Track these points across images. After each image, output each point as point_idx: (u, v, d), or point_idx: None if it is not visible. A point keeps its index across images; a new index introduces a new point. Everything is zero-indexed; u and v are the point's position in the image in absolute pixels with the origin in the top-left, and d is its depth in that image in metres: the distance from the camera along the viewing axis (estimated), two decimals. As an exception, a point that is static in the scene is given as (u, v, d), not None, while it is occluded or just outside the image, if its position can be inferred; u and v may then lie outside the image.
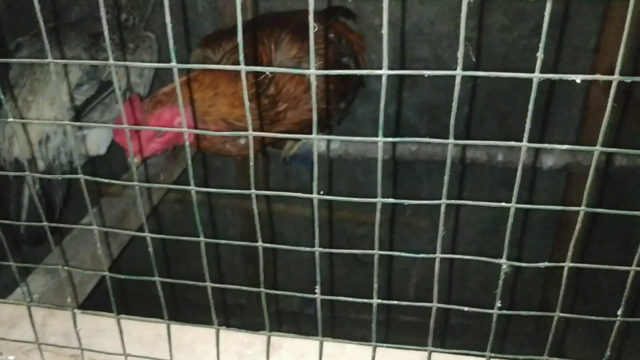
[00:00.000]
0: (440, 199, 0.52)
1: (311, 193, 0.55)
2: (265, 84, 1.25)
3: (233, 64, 1.30)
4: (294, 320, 2.42)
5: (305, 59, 1.26)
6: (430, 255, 0.57)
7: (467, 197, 1.94)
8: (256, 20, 1.53)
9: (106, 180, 0.63)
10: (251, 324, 2.38)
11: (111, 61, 0.50)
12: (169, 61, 0.48)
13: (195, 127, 1.24)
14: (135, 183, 0.59)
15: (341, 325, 2.34)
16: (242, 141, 1.27)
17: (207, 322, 0.67)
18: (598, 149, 0.43)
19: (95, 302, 1.09)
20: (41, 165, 1.36)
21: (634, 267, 0.51)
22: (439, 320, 2.21)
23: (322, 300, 0.63)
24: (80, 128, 1.41)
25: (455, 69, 0.45)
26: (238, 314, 2.41)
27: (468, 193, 1.95)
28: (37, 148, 1.33)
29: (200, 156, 2.02)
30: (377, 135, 0.49)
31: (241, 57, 0.47)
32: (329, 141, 1.54)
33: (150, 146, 1.21)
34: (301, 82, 1.25)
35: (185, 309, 2.08)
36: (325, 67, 1.33)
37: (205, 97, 1.22)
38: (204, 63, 1.40)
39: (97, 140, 1.48)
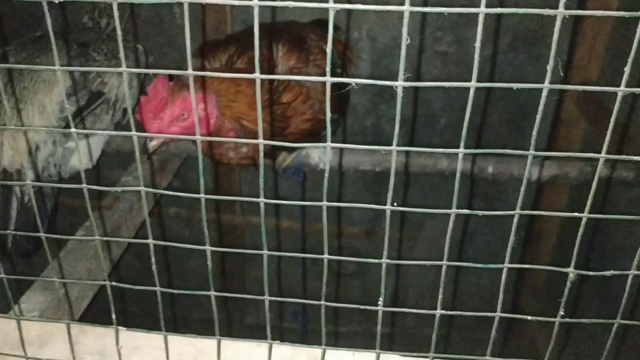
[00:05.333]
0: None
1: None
2: (280, 92, 1.26)
3: (240, 68, 1.31)
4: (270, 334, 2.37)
5: (303, 69, 1.27)
6: (437, 263, 0.58)
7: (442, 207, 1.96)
8: (248, 32, 1.54)
9: (111, 189, 0.62)
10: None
11: (124, 68, 0.50)
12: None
13: (216, 118, 1.24)
14: (142, 188, 0.59)
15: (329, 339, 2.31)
16: (244, 149, 1.28)
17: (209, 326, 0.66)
18: (604, 156, 0.45)
19: (92, 314, 1.07)
20: (30, 175, 1.33)
21: (632, 272, 0.53)
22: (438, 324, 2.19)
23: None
24: (68, 140, 1.39)
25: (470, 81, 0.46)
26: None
27: (444, 203, 1.98)
28: (26, 158, 1.31)
29: (187, 163, 2.00)
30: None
31: (257, 65, 0.47)
32: (324, 153, 1.56)
33: (170, 129, 1.19)
34: (300, 93, 1.26)
35: (185, 312, 2.05)
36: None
37: (229, 92, 1.23)
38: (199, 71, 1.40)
39: (86, 152, 1.46)
